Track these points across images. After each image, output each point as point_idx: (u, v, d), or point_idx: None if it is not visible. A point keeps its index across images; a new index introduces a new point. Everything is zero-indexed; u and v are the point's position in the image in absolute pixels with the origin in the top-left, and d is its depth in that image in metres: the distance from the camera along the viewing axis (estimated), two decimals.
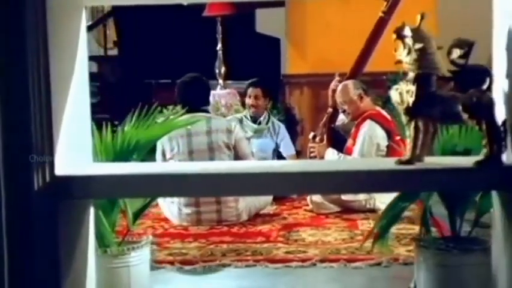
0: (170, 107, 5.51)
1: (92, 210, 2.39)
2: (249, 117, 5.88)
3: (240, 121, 5.82)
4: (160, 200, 4.68)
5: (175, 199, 4.57)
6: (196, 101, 4.75)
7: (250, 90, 5.92)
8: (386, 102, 5.18)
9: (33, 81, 1.96)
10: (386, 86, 5.47)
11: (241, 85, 6.91)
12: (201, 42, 7.28)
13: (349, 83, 5.10)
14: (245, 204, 4.67)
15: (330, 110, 5.36)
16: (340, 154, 5.05)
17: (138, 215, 2.99)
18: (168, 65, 7.44)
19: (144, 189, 2.24)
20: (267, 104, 5.96)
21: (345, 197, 4.80)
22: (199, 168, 2.37)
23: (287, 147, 5.93)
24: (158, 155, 4.68)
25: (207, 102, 4.96)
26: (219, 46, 6.90)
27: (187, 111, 4.31)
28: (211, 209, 4.58)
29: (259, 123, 5.88)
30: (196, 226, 4.53)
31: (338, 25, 6.99)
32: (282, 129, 5.98)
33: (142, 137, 2.86)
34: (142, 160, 2.89)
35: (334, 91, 5.22)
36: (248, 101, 5.91)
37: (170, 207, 4.68)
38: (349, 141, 5.06)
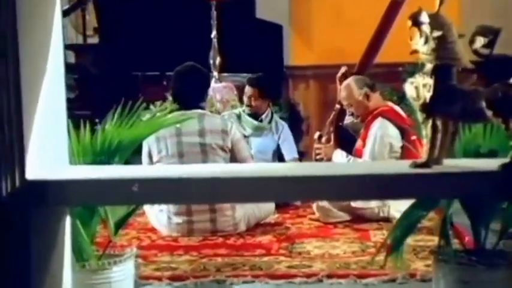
0: (158, 103, 5.49)
1: (68, 219, 2.39)
2: (247, 112, 5.87)
3: (238, 117, 5.83)
4: (147, 208, 4.67)
5: (164, 207, 4.56)
6: (194, 95, 4.72)
7: (246, 89, 5.92)
8: (402, 98, 5.16)
9: (0, 74, 1.95)
10: (403, 79, 5.46)
11: (239, 78, 6.91)
12: (194, 29, 7.26)
13: (351, 82, 5.07)
14: (243, 212, 4.66)
15: (337, 106, 5.35)
16: (349, 156, 5.05)
17: (120, 224, 2.99)
18: (156, 55, 7.42)
19: (127, 196, 2.24)
20: (268, 103, 5.94)
21: (355, 204, 4.80)
22: (190, 172, 2.37)
23: (290, 149, 5.91)
24: (144, 157, 4.66)
25: (205, 98, 4.91)
26: (214, 34, 6.89)
27: (182, 108, 4.28)
28: (205, 218, 4.58)
29: (261, 121, 5.87)
30: (188, 237, 4.53)
31: (348, 10, 7.01)
32: (285, 129, 5.97)
33: (125, 136, 2.86)
34: (126, 163, 2.89)
35: (341, 81, 5.20)
36: (244, 98, 5.93)
37: (158, 216, 4.67)
38: (359, 142, 5.05)
